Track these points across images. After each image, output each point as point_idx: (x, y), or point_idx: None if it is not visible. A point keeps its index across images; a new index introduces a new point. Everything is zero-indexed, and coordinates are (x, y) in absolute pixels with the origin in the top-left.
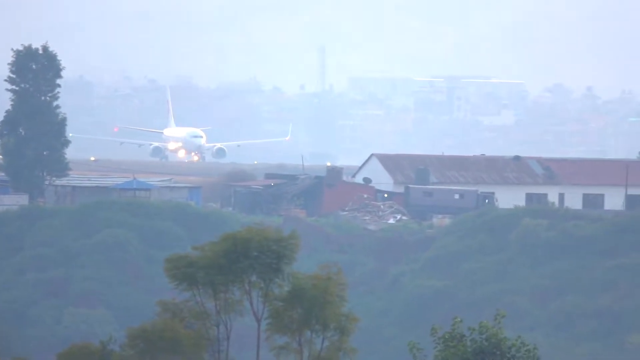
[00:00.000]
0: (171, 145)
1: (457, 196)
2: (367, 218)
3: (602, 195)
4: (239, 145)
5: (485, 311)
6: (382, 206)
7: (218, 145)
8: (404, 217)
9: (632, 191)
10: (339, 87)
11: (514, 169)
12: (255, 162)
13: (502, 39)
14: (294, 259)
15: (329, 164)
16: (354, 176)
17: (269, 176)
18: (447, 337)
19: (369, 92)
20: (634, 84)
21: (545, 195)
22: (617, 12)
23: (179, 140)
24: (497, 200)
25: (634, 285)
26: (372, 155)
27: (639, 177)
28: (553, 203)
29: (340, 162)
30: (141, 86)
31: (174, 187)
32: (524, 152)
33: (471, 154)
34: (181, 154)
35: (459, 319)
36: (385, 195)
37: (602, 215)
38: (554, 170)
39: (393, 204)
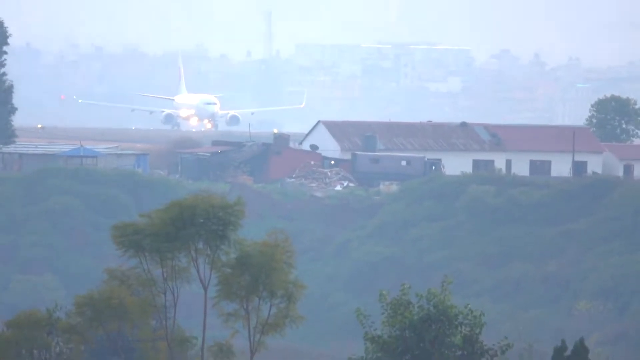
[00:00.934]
0: (183, 113)
1: (404, 163)
2: (314, 185)
3: (549, 162)
4: (252, 113)
5: (433, 278)
6: (329, 173)
7: (232, 112)
8: (350, 184)
9: (579, 157)
10: (286, 53)
11: (460, 135)
12: (203, 129)
13: (448, 4)
14: (240, 225)
15: (275, 130)
16: (300, 143)
17: (215, 143)
18: (395, 303)
19: (316, 59)
20: (580, 50)
21: (492, 161)
22: None
23: (192, 107)
24: (444, 167)
25: (581, 252)
26: (319, 122)
27: (585, 143)
28: (500, 169)
29: (287, 129)
30: (88, 53)
31: (121, 154)
32: (470, 119)
33: (418, 121)
34: (193, 121)
35: (407, 285)
36: (332, 162)
37: (549, 182)
38: (500, 137)
39: (340, 170)
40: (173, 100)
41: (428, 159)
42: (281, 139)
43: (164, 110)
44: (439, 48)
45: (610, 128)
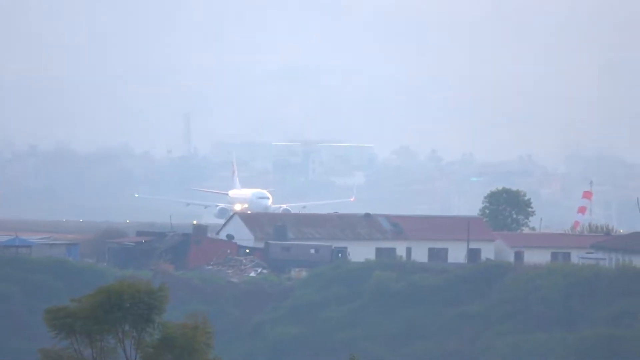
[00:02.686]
0: (237, 207)
1: (312, 251)
2: (230, 271)
3: (446, 249)
4: (304, 207)
5: (341, 356)
6: (244, 260)
7: (284, 206)
8: (264, 270)
9: (473, 245)
10: (204, 150)
11: (364, 225)
12: (128, 221)
13: (353, 105)
14: (163, 309)
15: (194, 222)
16: (218, 233)
17: (140, 233)
18: None
19: (230, 154)
20: (473, 147)
21: (394, 249)
22: (456, 81)
23: (245, 201)
24: (349, 255)
25: (477, 332)
26: (234, 214)
27: (479, 232)
28: (401, 256)
29: (206, 220)
30: (23, 151)
31: (53, 244)
32: (373, 210)
33: (325, 212)
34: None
35: None
36: (247, 250)
37: (445, 268)
38: (401, 226)
39: (254, 258)
40: (227, 194)
41: (335, 247)
42: (200, 229)
43: (218, 204)
44: (344, 145)
45: (502, 218)
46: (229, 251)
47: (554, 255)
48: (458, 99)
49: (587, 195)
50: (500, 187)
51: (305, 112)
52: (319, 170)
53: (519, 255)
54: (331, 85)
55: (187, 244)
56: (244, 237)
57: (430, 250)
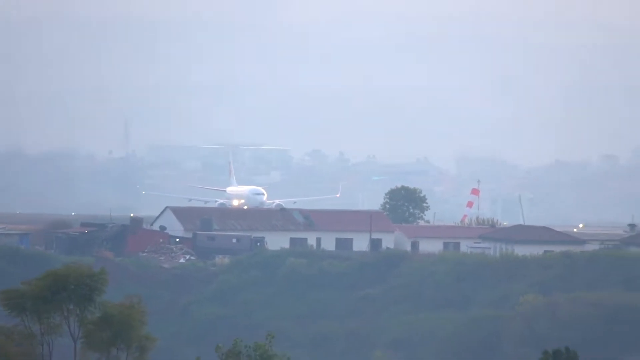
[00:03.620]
0: (235, 202)
1: (234, 240)
2: (162, 258)
3: (351, 239)
4: (294, 202)
5: (259, 333)
6: (174, 248)
7: (277, 201)
8: (192, 257)
9: (375, 236)
10: (141, 152)
11: (280, 218)
12: (73, 214)
13: (272, 112)
14: (103, 291)
15: (132, 214)
16: (152, 224)
17: (84, 224)
18: (228, 354)
19: (165, 157)
20: (376, 150)
21: (306, 239)
22: (362, 91)
23: (242, 197)
24: (266, 243)
25: (377, 312)
26: (166, 207)
27: (380, 224)
28: (312, 245)
29: (142, 213)
30: None
31: (7, 234)
32: (288, 205)
33: (246, 207)
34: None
35: (238, 340)
36: (177, 239)
37: (350, 255)
38: (312, 219)
39: (183, 246)
40: (225, 191)
41: (254, 237)
42: (136, 221)
43: (217, 200)
44: (264, 148)
45: (400, 212)
46: (161, 240)
47: (446, 245)
48: (363, 107)
49: (475, 192)
50: (399, 185)
51: (230, 119)
52: (241, 170)
53: (415, 245)
54: (252, 96)
55: (124, 234)
56: (175, 228)
57: (338, 240)
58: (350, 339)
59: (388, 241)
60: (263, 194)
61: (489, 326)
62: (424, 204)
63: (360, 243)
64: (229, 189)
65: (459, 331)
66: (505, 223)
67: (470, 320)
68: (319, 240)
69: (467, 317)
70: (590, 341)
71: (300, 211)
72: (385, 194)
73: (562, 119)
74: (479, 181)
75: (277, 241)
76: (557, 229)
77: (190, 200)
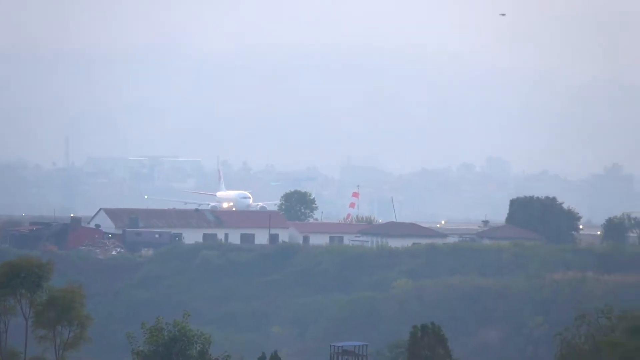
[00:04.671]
0: (224, 205)
1: (157, 235)
2: (97, 251)
3: (254, 234)
4: (275, 204)
5: (178, 312)
6: (107, 243)
7: (261, 204)
8: (122, 250)
9: (274, 231)
10: (79, 163)
11: (194, 217)
12: (23, 215)
13: (186, 125)
14: (49, 278)
15: (72, 215)
16: (89, 223)
17: (32, 223)
18: (152, 329)
19: (99, 167)
20: (274, 160)
21: (216, 234)
22: (256, 109)
23: (231, 200)
24: (184, 238)
25: (276, 294)
26: (100, 209)
27: (277, 222)
28: (221, 240)
29: (80, 213)
30: None
31: None
32: (201, 207)
33: (168, 208)
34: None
35: (161, 318)
36: (110, 235)
37: (253, 248)
38: (221, 218)
39: (115, 241)
40: (215, 195)
41: (173, 233)
42: (76, 220)
43: (209, 203)
44: (180, 159)
45: (294, 212)
46: (96, 236)
47: (332, 239)
48: (262, 125)
49: (356, 195)
50: (292, 190)
51: (153, 135)
52: (161, 178)
53: (306, 239)
54: (171, 116)
55: (66, 231)
56: (108, 225)
57: (242, 235)
58: (254, 317)
59: (284, 236)
60: (249, 198)
61: (368, 306)
62: (313, 205)
63: (261, 237)
64: (219, 194)
65: (343, 310)
66: (381, 220)
67: (352, 301)
68: (226, 235)
69: (350, 298)
70: (452, 317)
71: (211, 211)
72: (281, 197)
73: (427, 133)
74: (358, 186)
75: (192, 236)
76: (423, 225)
77: (185, 203)
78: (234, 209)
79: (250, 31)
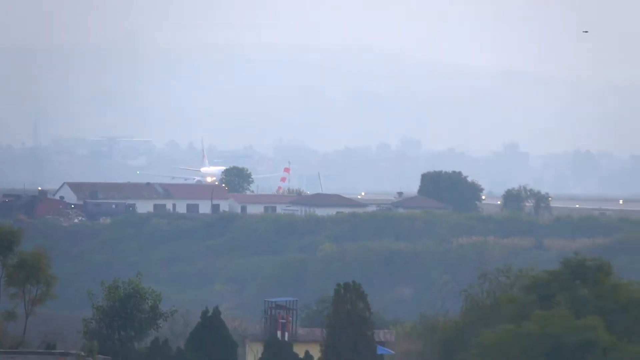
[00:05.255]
0: (208, 179)
1: (114, 206)
2: (62, 219)
3: (198, 205)
4: (199, 180)
5: (132, 273)
6: (70, 212)
7: (197, 178)
8: (83, 219)
9: (216, 202)
10: (45, 143)
11: (146, 189)
12: None
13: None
14: (19, 243)
15: (39, 188)
16: (54, 195)
17: (5, 195)
18: (110, 286)
19: (62, 146)
20: (216, 139)
21: (165, 205)
22: (202, 97)
23: (213, 175)
24: (137, 208)
25: (217, 256)
26: (64, 183)
27: (219, 194)
28: (169, 209)
29: (47, 187)
30: None
31: None
32: (153, 181)
33: (124, 181)
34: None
35: (117, 278)
36: (72, 206)
37: (198, 216)
38: (170, 191)
39: (77, 211)
40: (199, 170)
41: (128, 204)
42: (43, 193)
43: (194, 177)
44: (134, 140)
45: (233, 185)
46: (61, 207)
47: (266, 208)
48: (205, 108)
49: (287, 170)
50: (232, 166)
51: (111, 116)
52: (118, 155)
53: (244, 208)
54: (127, 101)
55: (35, 202)
56: (71, 197)
57: (188, 205)
58: (198, 276)
59: (224, 206)
60: None
61: (297, 266)
62: (250, 179)
63: (205, 207)
64: (203, 169)
65: (275, 270)
66: (309, 192)
67: (284, 262)
68: (174, 205)
69: (282, 260)
70: (371, 276)
71: (161, 185)
72: (222, 173)
73: (349, 117)
74: (289, 162)
75: (144, 207)
76: (346, 196)
77: (173, 178)
78: (216, 183)
79: (206, 28)
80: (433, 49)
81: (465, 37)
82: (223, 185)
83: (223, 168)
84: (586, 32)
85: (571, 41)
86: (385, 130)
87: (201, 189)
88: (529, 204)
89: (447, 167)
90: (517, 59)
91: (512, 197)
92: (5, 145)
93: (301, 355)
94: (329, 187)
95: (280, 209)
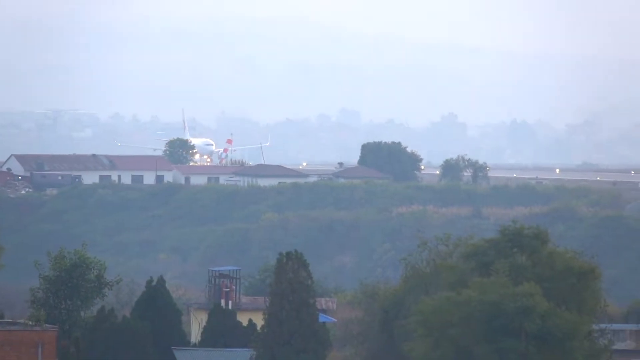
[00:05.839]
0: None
1: (60, 177)
2: (9, 190)
3: (142, 176)
4: (235, 150)
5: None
6: (17, 184)
7: (220, 150)
8: (30, 190)
9: (160, 173)
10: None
11: (92, 161)
12: None
13: (86, 86)
14: None
15: None
16: (1, 167)
17: None
18: (56, 257)
19: (9, 119)
20: (158, 112)
21: (110, 176)
22: (147, 70)
23: (196, 147)
24: (82, 180)
25: (161, 226)
26: (11, 155)
27: (163, 165)
28: (115, 180)
29: None
30: None
31: None
32: (98, 152)
33: (71, 153)
34: (197, 156)
35: (63, 247)
36: (19, 177)
37: (142, 187)
38: (115, 162)
39: (24, 182)
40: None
41: (74, 175)
42: None
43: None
44: (80, 112)
45: (177, 156)
46: (8, 178)
47: (210, 179)
48: (148, 80)
49: (229, 142)
50: (175, 138)
51: (56, 89)
52: (62, 128)
53: (187, 179)
54: (74, 74)
55: None
56: (18, 169)
57: (133, 176)
58: (143, 246)
59: (169, 177)
60: (212, 145)
61: (240, 235)
62: (193, 151)
63: (149, 178)
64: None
65: (219, 239)
66: (251, 163)
67: (227, 232)
68: (119, 177)
69: (225, 229)
70: (312, 245)
71: (106, 156)
72: (166, 144)
73: (290, 89)
74: (232, 134)
75: (90, 178)
76: (288, 167)
77: (155, 150)
78: (198, 155)
79: (148, 1)
80: (372, 20)
81: (404, 9)
82: (166, 157)
83: (209, 140)
84: None
85: (508, 13)
86: (324, 101)
87: (146, 160)
88: (467, 173)
89: (387, 137)
90: (455, 32)
91: (451, 167)
92: None
93: (244, 323)
94: (271, 158)
95: (223, 180)
